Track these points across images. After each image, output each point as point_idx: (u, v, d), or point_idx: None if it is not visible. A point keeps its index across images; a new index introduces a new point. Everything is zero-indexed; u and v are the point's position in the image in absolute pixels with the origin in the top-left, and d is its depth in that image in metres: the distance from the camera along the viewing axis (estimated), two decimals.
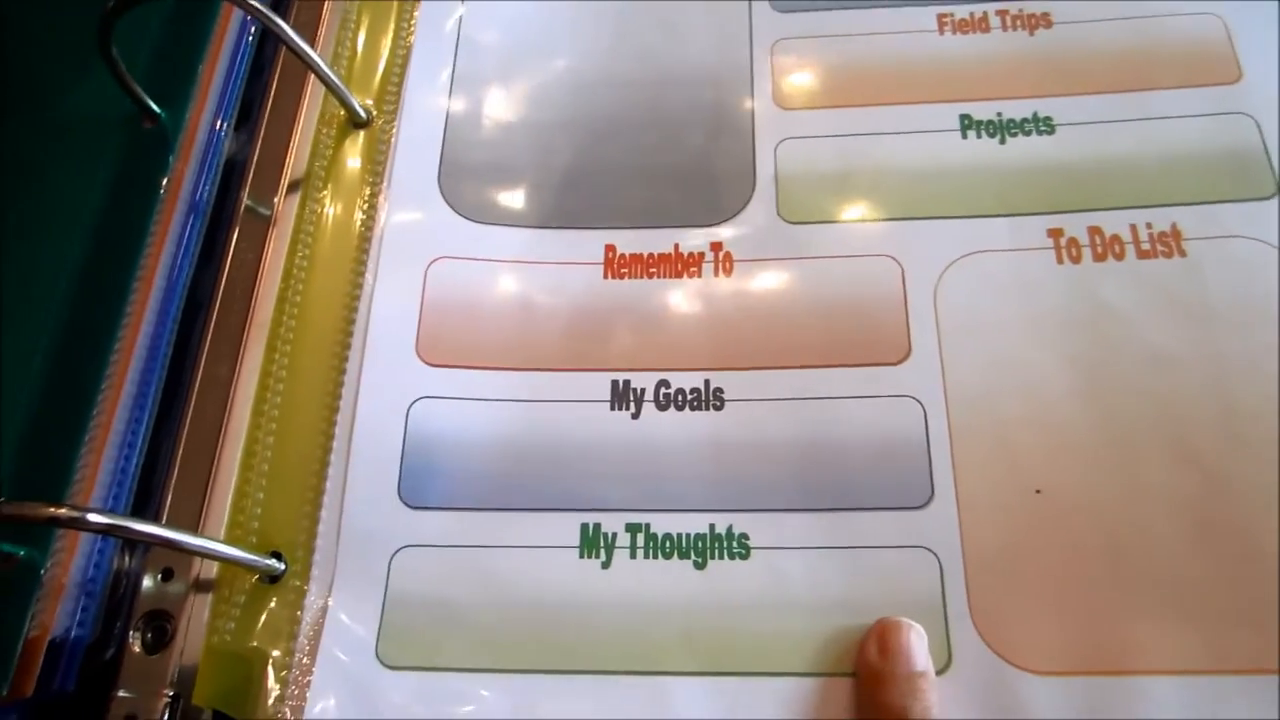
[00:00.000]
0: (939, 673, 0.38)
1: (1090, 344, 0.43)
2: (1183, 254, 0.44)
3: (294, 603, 0.41)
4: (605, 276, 0.47)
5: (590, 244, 0.47)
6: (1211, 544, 0.39)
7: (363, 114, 0.51)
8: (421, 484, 0.42)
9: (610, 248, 0.47)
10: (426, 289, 0.46)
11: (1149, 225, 0.45)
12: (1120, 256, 0.44)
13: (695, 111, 0.51)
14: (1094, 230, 0.45)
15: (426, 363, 0.45)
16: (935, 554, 0.40)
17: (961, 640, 0.38)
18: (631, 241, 0.47)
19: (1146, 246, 0.44)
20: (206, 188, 0.51)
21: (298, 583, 0.42)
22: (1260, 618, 0.38)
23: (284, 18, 0.53)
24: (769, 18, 0.53)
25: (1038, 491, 0.40)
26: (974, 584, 0.39)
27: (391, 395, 0.44)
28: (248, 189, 0.51)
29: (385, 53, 0.53)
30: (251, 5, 0.46)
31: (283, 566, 0.42)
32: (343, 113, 0.51)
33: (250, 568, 0.42)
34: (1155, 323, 0.43)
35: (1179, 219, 0.45)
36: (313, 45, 0.52)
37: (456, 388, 0.44)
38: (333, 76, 0.49)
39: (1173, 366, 0.42)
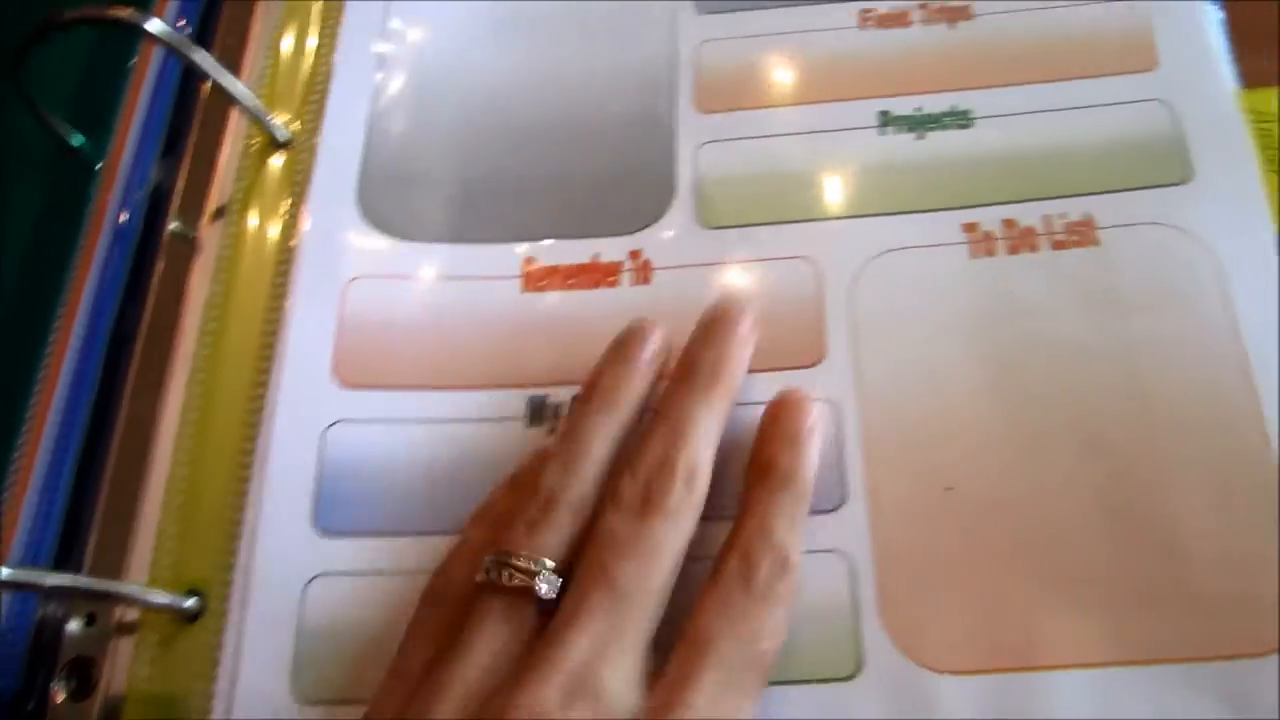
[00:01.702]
0: (848, 679, 0.38)
1: (1003, 338, 0.42)
2: (1096, 243, 0.44)
3: (213, 640, 0.41)
4: (523, 290, 0.46)
5: (509, 257, 0.47)
6: (1120, 534, 0.39)
7: (282, 134, 0.51)
8: (336, 510, 0.42)
9: (529, 260, 0.47)
10: (344, 310, 0.46)
11: (1062, 215, 0.44)
12: (1034, 248, 0.44)
13: (618, 117, 0.51)
14: (1008, 223, 0.45)
15: (343, 385, 0.44)
16: (847, 557, 0.39)
17: (872, 644, 0.38)
18: (550, 253, 0.47)
19: (1060, 237, 0.44)
20: (131, 217, 0.51)
21: (216, 619, 0.41)
22: (1166, 607, 0.38)
23: (210, 35, 0.53)
24: (692, 20, 0.53)
25: (948, 489, 0.40)
26: (884, 586, 0.39)
27: (306, 420, 0.44)
28: (173, 217, 0.51)
29: (308, 71, 0.53)
30: (164, 39, 0.46)
31: (199, 604, 0.42)
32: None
33: (166, 609, 0.41)
34: (1068, 313, 0.43)
35: (1092, 208, 0.44)
36: (238, 64, 0.53)
37: (373, 410, 0.44)
38: (248, 99, 0.49)
39: (1085, 357, 0.42)
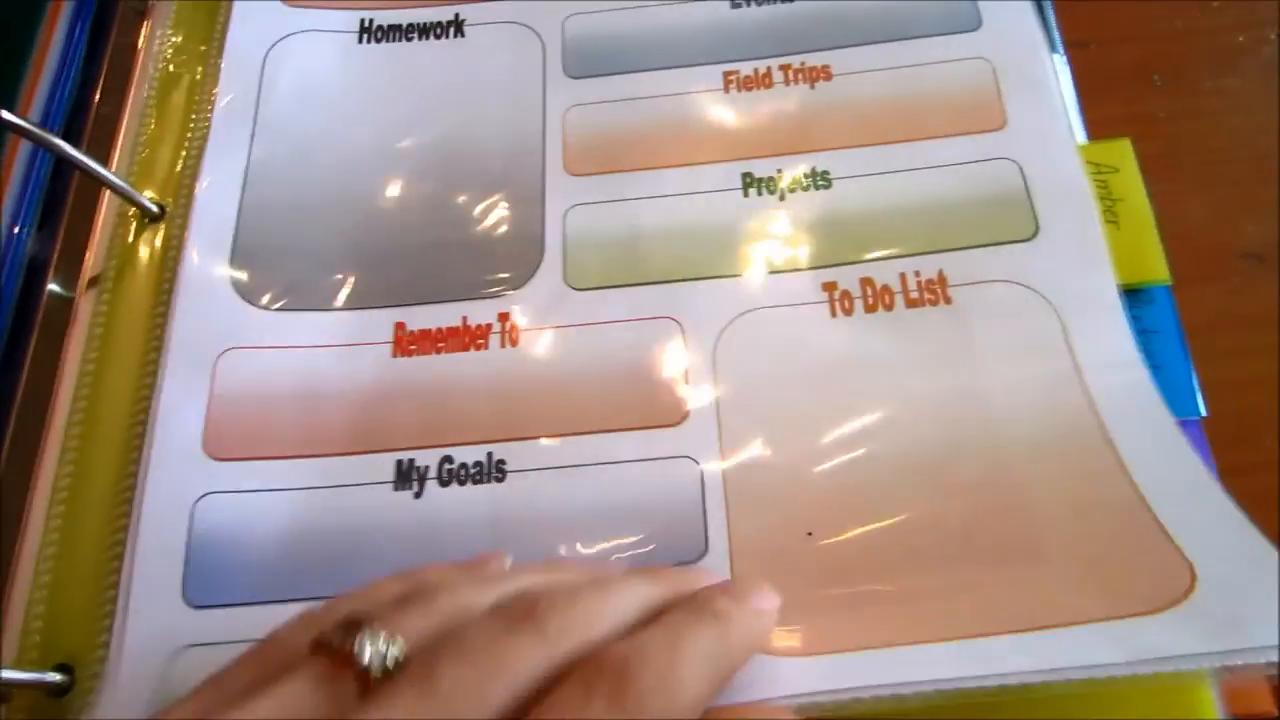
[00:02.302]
0: None
1: (861, 395, 0.44)
2: (948, 301, 0.45)
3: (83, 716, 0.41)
4: (394, 355, 0.47)
5: (380, 323, 0.48)
6: (979, 545, 0.40)
7: (153, 208, 0.51)
8: (206, 583, 0.42)
9: (400, 325, 0.47)
10: (215, 382, 0.46)
11: (917, 273, 0.46)
12: (890, 306, 0.45)
13: (488, 182, 0.51)
14: (865, 281, 0.46)
15: (214, 458, 0.44)
16: None
17: None
18: (421, 317, 0.48)
19: (915, 295, 0.45)
20: (7, 284, 0.51)
21: (88, 694, 0.41)
22: (1031, 585, 0.38)
23: (83, 113, 0.54)
24: (562, 84, 0.54)
25: (809, 534, 0.41)
26: None
27: (175, 494, 0.43)
28: (48, 291, 0.51)
29: (181, 142, 0.53)
30: (25, 128, 0.46)
31: (67, 680, 0.41)
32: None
33: (33, 685, 0.41)
34: (922, 370, 0.44)
35: (945, 265, 0.46)
36: (110, 139, 0.53)
37: (243, 481, 0.44)
38: (112, 178, 0.49)
39: (939, 413, 0.43)
